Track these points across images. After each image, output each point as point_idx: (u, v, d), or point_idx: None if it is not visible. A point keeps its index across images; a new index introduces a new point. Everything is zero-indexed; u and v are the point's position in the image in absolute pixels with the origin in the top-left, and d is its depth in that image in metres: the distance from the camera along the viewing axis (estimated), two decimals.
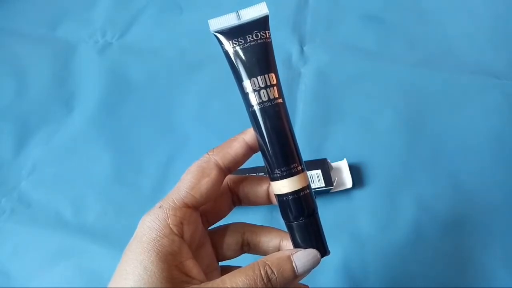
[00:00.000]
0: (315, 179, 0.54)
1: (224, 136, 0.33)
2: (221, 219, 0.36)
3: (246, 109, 0.31)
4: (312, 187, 0.52)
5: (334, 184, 0.54)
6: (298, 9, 0.72)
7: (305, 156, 0.56)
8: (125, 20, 0.72)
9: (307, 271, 0.30)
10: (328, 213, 0.55)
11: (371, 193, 0.56)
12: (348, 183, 0.55)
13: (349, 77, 0.65)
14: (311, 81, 0.65)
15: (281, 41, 0.69)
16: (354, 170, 0.57)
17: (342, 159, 0.57)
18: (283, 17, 0.71)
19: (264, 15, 0.32)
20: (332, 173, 0.55)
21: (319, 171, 0.54)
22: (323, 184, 0.54)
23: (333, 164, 0.56)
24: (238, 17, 0.31)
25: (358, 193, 0.56)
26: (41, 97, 0.65)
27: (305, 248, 0.31)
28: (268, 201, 0.35)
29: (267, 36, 0.31)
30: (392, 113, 0.62)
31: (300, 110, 0.62)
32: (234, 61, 0.31)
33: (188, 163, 0.32)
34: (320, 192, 0.55)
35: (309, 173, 0.54)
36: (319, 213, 0.32)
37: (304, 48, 0.68)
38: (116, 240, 0.52)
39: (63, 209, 0.56)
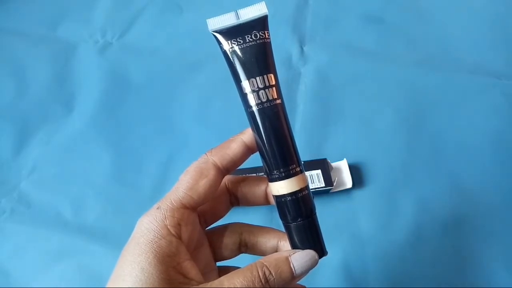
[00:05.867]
0: (315, 179, 0.54)
1: (224, 136, 0.33)
2: (219, 219, 0.36)
3: (245, 109, 0.31)
4: (312, 187, 0.53)
5: (334, 184, 0.54)
6: (298, 9, 0.72)
7: (305, 156, 0.56)
8: (125, 20, 0.72)
9: (305, 272, 0.30)
10: (328, 213, 0.55)
11: (371, 193, 0.56)
12: (348, 183, 0.55)
13: (349, 77, 0.65)
14: (311, 81, 0.65)
15: (281, 41, 0.69)
16: (354, 170, 0.57)
17: (342, 159, 0.57)
18: (283, 17, 0.71)
19: (263, 14, 0.31)
20: (332, 173, 0.55)
21: (319, 171, 0.54)
22: (323, 184, 0.54)
23: (333, 164, 0.56)
24: (237, 16, 0.31)
25: (358, 193, 0.56)
26: (41, 97, 0.65)
27: (303, 249, 0.31)
28: (266, 202, 0.35)
29: (266, 36, 0.31)
30: (392, 113, 0.62)
31: (300, 110, 0.62)
32: (233, 61, 0.31)
33: (188, 163, 0.32)
34: (320, 192, 0.55)
35: (309, 173, 0.54)
36: (318, 213, 0.32)
37: (304, 48, 0.68)
38: (116, 240, 0.52)
39: (63, 209, 0.56)
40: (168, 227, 0.29)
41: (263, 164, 0.32)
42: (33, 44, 0.70)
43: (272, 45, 0.32)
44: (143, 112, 0.64)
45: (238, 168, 0.33)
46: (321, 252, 0.31)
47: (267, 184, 0.33)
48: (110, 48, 0.70)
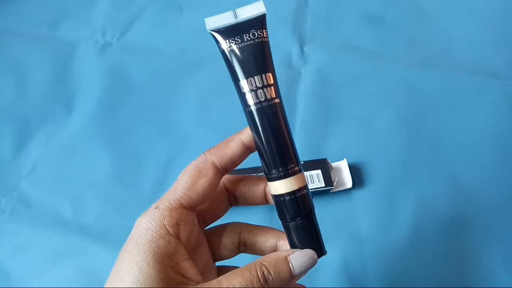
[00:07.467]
0: (315, 179, 0.54)
1: (224, 136, 0.33)
2: (218, 219, 0.36)
3: (243, 109, 0.31)
4: (312, 187, 0.53)
5: (334, 184, 0.54)
6: (298, 9, 0.72)
7: (305, 156, 0.56)
8: (125, 20, 0.72)
9: (304, 271, 0.30)
10: (328, 213, 0.55)
11: (371, 193, 0.56)
12: (348, 183, 0.55)
13: (349, 77, 0.65)
14: (311, 81, 0.65)
15: (281, 41, 0.69)
16: (354, 170, 0.57)
17: (342, 159, 0.57)
18: (283, 17, 0.71)
19: (261, 13, 0.31)
20: (332, 173, 0.54)
21: (319, 171, 0.54)
22: (323, 184, 0.54)
23: (333, 164, 0.56)
24: (235, 15, 0.31)
25: (358, 193, 0.56)
26: (41, 97, 0.65)
27: (302, 248, 0.31)
28: (265, 201, 0.34)
29: (265, 35, 0.31)
30: (392, 113, 0.62)
31: (300, 110, 0.62)
32: (231, 61, 0.31)
33: (188, 163, 0.32)
34: (320, 192, 0.55)
35: (309, 173, 0.54)
36: (318, 213, 0.32)
37: (304, 48, 0.68)
38: (116, 240, 0.51)
39: (63, 209, 0.56)
40: (167, 227, 0.29)
41: (262, 164, 0.31)
42: (33, 44, 0.70)
43: (271, 44, 0.32)
44: (143, 112, 0.64)
45: (237, 168, 0.33)
46: (320, 251, 0.31)
47: (266, 184, 0.33)
48: (110, 48, 0.69)
